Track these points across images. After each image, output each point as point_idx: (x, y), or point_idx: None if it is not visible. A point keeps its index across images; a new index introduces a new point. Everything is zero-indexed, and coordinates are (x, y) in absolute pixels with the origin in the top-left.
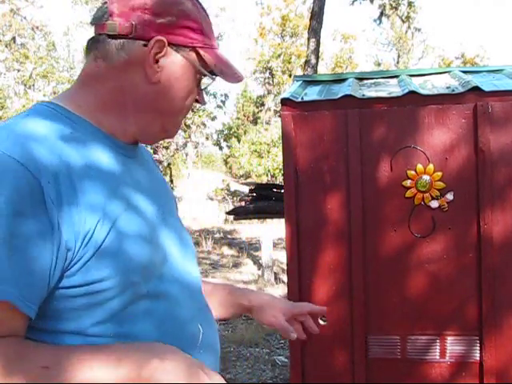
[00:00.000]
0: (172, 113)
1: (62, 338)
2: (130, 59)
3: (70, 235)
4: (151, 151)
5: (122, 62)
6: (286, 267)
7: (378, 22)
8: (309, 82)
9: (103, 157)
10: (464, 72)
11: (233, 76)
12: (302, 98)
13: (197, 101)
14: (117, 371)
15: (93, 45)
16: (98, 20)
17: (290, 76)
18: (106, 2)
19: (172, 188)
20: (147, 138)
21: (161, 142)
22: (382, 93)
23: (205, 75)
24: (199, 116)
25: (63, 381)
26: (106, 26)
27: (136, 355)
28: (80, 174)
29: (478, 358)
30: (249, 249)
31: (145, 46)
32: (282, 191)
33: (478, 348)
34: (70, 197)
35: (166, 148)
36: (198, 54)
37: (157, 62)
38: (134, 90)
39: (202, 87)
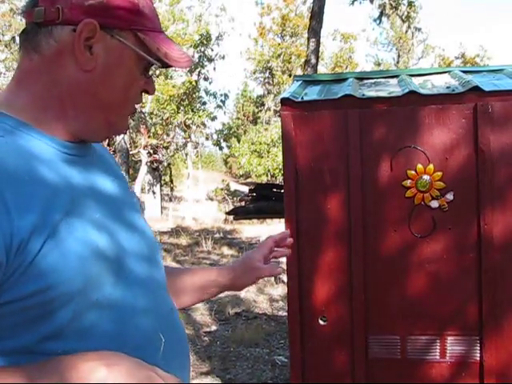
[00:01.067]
0: (114, 104)
1: (9, 358)
2: (60, 47)
3: None
4: (150, 151)
5: (53, 52)
6: (285, 267)
7: (377, 21)
8: (309, 81)
9: (39, 161)
10: (464, 72)
11: (179, 60)
12: (302, 98)
13: (146, 91)
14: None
15: (23, 37)
16: (27, 8)
17: (290, 76)
18: None
19: (172, 188)
20: (92, 135)
21: (160, 141)
22: (382, 93)
23: (147, 61)
24: (199, 116)
25: None
26: (33, 14)
27: (84, 365)
28: (11, 182)
29: (478, 358)
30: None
31: (74, 31)
32: (282, 191)
33: (478, 348)
34: None
35: (166, 148)
36: (136, 37)
37: (90, 48)
38: (68, 81)
39: (151, 73)
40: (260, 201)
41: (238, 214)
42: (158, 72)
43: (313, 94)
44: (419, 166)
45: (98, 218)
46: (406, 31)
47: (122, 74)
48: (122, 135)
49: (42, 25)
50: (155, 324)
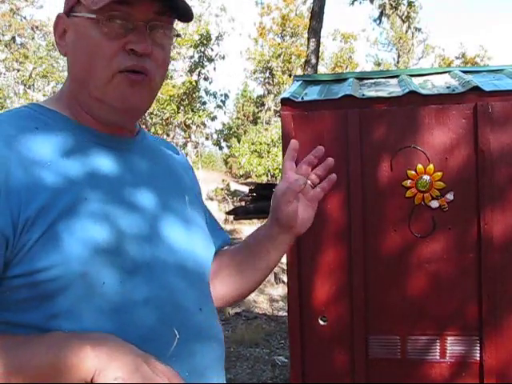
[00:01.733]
0: (86, 76)
1: (18, 331)
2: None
3: (5, 223)
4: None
5: None
6: (286, 267)
7: (377, 21)
8: (309, 81)
9: (64, 147)
10: (464, 72)
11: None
12: (302, 98)
13: (132, 50)
14: (43, 357)
15: None
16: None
17: (290, 76)
18: None
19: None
20: (103, 119)
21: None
22: (382, 93)
23: (98, 16)
24: (199, 116)
25: None
26: None
27: (67, 342)
28: (30, 165)
29: (478, 358)
30: None
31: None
32: None
33: (478, 348)
34: (8, 184)
35: None
36: (82, 5)
37: (64, 34)
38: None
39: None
40: (260, 201)
41: (238, 214)
42: None
43: (313, 94)
44: (419, 166)
45: (115, 210)
46: (406, 31)
47: (82, 44)
48: None
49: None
50: (169, 318)
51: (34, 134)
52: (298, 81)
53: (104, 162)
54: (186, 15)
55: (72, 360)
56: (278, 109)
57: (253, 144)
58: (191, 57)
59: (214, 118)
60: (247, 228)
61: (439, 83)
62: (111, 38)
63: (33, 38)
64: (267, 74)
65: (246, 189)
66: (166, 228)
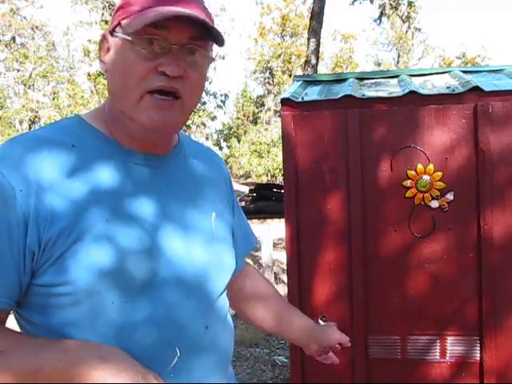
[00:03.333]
0: (119, 94)
1: (38, 330)
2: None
3: (33, 239)
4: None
5: None
6: (285, 267)
7: (378, 21)
8: (309, 81)
9: (98, 169)
10: (464, 72)
11: (169, 13)
12: (302, 98)
13: (163, 72)
14: (56, 365)
15: None
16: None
17: (290, 76)
18: None
19: None
20: (137, 137)
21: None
22: (382, 93)
23: (136, 42)
24: (199, 116)
25: (11, 363)
26: None
27: (78, 352)
28: (58, 185)
29: (478, 358)
30: None
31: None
32: (282, 191)
33: (478, 348)
34: (39, 203)
35: None
36: (122, 26)
37: (107, 52)
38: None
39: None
40: (260, 201)
41: None
42: None
43: (313, 94)
44: (419, 166)
45: (149, 227)
46: (406, 31)
47: (119, 63)
48: None
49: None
50: (166, 337)
51: (69, 151)
52: (297, 81)
53: (134, 181)
54: (219, 40)
55: (81, 370)
56: (278, 109)
57: (253, 144)
58: None
59: (213, 118)
60: None
61: (439, 83)
62: (145, 59)
63: (33, 38)
64: (267, 74)
65: (246, 189)
66: (187, 247)
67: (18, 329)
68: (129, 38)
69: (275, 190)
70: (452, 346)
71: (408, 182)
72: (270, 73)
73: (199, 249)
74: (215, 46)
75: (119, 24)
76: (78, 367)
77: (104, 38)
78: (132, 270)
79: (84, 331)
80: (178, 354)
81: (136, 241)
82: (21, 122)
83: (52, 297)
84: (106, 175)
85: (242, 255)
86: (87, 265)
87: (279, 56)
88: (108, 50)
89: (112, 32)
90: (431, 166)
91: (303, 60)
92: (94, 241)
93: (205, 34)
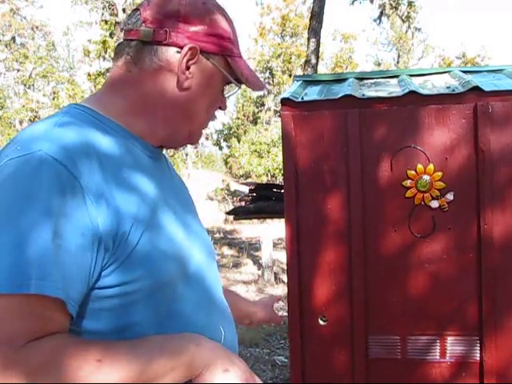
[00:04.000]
0: (199, 119)
1: (89, 337)
2: (163, 65)
3: (107, 236)
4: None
5: (155, 68)
6: (285, 267)
7: (377, 21)
8: (309, 81)
9: (135, 160)
10: (464, 72)
11: (257, 84)
12: (302, 98)
13: (220, 107)
14: (160, 360)
15: (124, 50)
16: (132, 26)
17: (290, 76)
18: (138, 9)
19: None
20: (173, 144)
21: None
22: (382, 93)
23: (231, 83)
24: None
25: (116, 371)
26: (139, 32)
27: (173, 343)
28: (116, 178)
29: (478, 358)
30: (249, 249)
31: (178, 52)
32: (282, 191)
33: (478, 348)
34: (107, 198)
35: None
36: (226, 61)
37: (188, 68)
38: (164, 95)
39: (226, 95)
40: (260, 201)
41: (238, 214)
42: None
43: (313, 94)
44: (419, 166)
45: (176, 218)
46: (406, 31)
47: (211, 93)
48: None
49: (147, 43)
50: (215, 318)
51: (106, 144)
52: (297, 81)
53: (156, 174)
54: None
55: (184, 360)
56: (278, 109)
57: (253, 144)
58: None
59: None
60: (247, 228)
61: (439, 83)
62: (221, 93)
63: (33, 38)
64: (267, 74)
65: (246, 189)
66: (195, 242)
67: None
68: (229, 76)
69: (275, 189)
70: (452, 346)
71: (408, 182)
72: (270, 73)
73: (198, 246)
74: None
75: (222, 56)
76: (182, 359)
77: (194, 52)
78: (184, 256)
79: (149, 328)
80: (223, 333)
81: (179, 229)
82: (21, 122)
83: (120, 297)
84: (142, 169)
85: None
86: (157, 257)
87: (279, 56)
88: (189, 61)
89: (205, 52)
90: (431, 166)
91: (303, 60)
92: (158, 231)
93: None
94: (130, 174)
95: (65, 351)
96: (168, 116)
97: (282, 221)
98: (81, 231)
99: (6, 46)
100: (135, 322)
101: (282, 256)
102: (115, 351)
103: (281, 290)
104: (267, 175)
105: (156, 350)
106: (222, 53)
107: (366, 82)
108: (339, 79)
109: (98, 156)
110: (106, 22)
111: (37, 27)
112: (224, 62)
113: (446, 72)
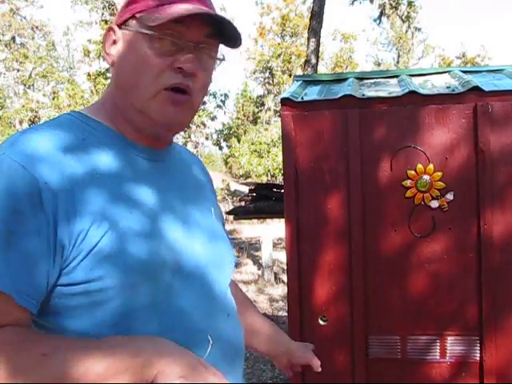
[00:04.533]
0: (131, 88)
1: (63, 336)
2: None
3: (63, 234)
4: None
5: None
6: (285, 267)
7: (377, 21)
8: (309, 81)
9: (113, 161)
10: (464, 72)
11: (194, 10)
12: (302, 98)
13: (180, 68)
14: (109, 359)
15: None
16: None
17: (290, 76)
18: None
19: None
20: (144, 131)
21: None
22: (382, 93)
23: (156, 37)
24: (199, 116)
25: (61, 367)
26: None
27: (132, 344)
28: (81, 179)
29: (478, 358)
30: (249, 249)
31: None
32: (282, 191)
33: (478, 348)
34: (67, 197)
35: None
36: (137, 19)
37: (108, 48)
38: (111, 84)
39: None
40: (260, 201)
41: (237, 213)
42: None
43: (313, 94)
44: (419, 166)
45: (170, 219)
46: (406, 31)
47: (131, 56)
48: None
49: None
50: (207, 325)
51: (82, 145)
52: (297, 81)
53: (146, 176)
54: (234, 41)
55: (139, 362)
56: (278, 109)
57: (253, 144)
58: None
59: (213, 118)
60: (247, 228)
61: (439, 83)
62: (161, 54)
63: (33, 38)
64: (267, 74)
65: (246, 189)
66: (196, 240)
67: None
68: (147, 31)
69: (275, 189)
70: (452, 346)
71: (408, 182)
72: (269, 73)
73: (200, 244)
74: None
75: (133, 17)
76: (136, 361)
77: (110, 30)
78: (176, 253)
79: (125, 328)
80: (211, 342)
81: (176, 227)
82: (21, 122)
83: (86, 295)
84: (120, 168)
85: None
86: (124, 256)
87: (279, 56)
88: (114, 42)
89: (122, 25)
90: (431, 166)
91: (303, 60)
92: (126, 230)
93: (217, 34)
94: (102, 176)
95: (11, 343)
96: (117, 103)
97: (282, 221)
98: (35, 229)
99: (5, 46)
100: (108, 323)
101: (282, 256)
102: (67, 348)
103: (281, 289)
104: (267, 175)
105: (110, 349)
106: (132, 14)
107: (365, 81)
108: (339, 79)
109: (65, 163)
110: (106, 22)
111: (37, 27)
112: (136, 20)
113: (445, 72)
